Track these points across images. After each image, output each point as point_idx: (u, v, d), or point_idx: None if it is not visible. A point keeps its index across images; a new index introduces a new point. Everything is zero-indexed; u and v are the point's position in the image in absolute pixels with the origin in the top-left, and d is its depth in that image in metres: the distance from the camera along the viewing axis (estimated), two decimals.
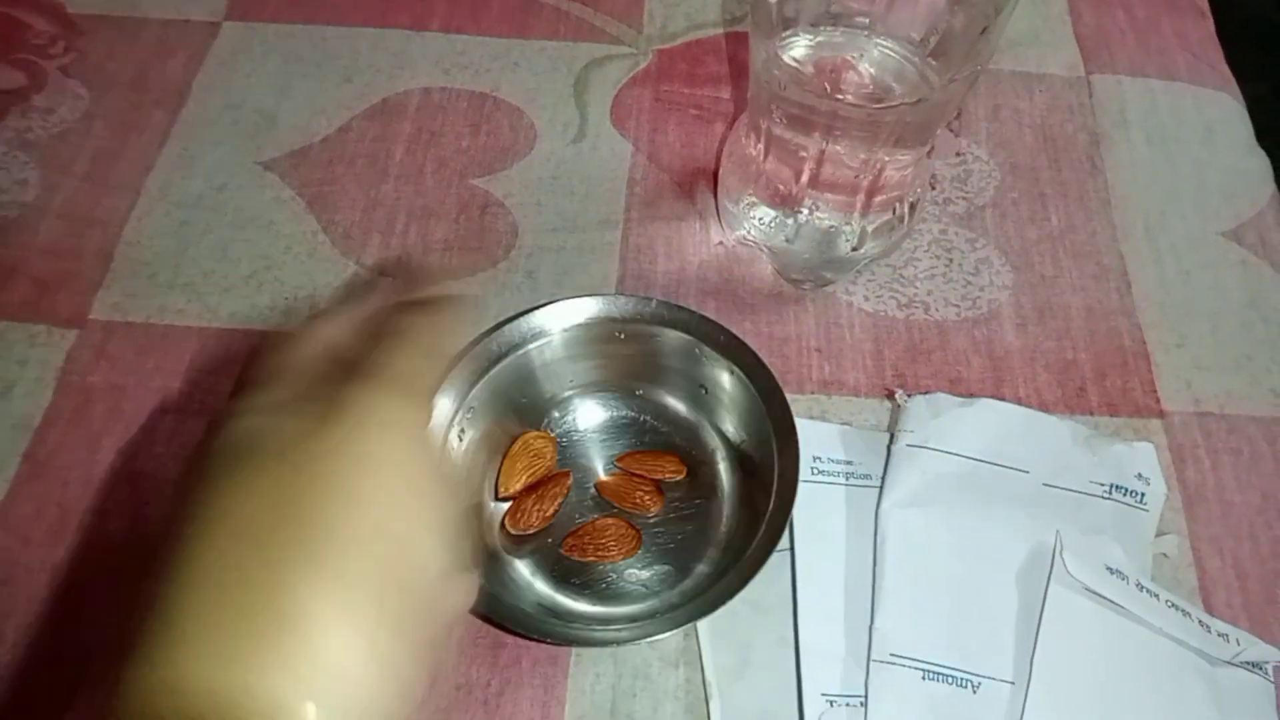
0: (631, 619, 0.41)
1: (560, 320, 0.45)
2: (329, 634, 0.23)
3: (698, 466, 0.46)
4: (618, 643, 0.40)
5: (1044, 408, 0.47)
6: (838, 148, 0.44)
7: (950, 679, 0.39)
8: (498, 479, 0.45)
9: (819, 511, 0.43)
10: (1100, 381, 0.48)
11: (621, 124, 0.56)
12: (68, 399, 0.46)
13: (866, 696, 0.39)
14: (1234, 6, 0.65)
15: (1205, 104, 0.59)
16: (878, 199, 0.48)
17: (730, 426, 0.46)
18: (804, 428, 0.44)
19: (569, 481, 0.45)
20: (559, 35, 0.60)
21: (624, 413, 0.47)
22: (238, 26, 0.60)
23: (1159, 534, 0.44)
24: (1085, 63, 0.60)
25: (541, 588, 0.43)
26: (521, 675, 0.40)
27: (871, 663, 0.39)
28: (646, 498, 0.44)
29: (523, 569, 0.43)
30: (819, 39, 0.45)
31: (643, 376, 0.47)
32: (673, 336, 0.45)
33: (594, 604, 0.42)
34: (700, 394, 0.46)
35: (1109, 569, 0.41)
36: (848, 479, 0.44)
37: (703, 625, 0.41)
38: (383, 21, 0.60)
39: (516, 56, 0.59)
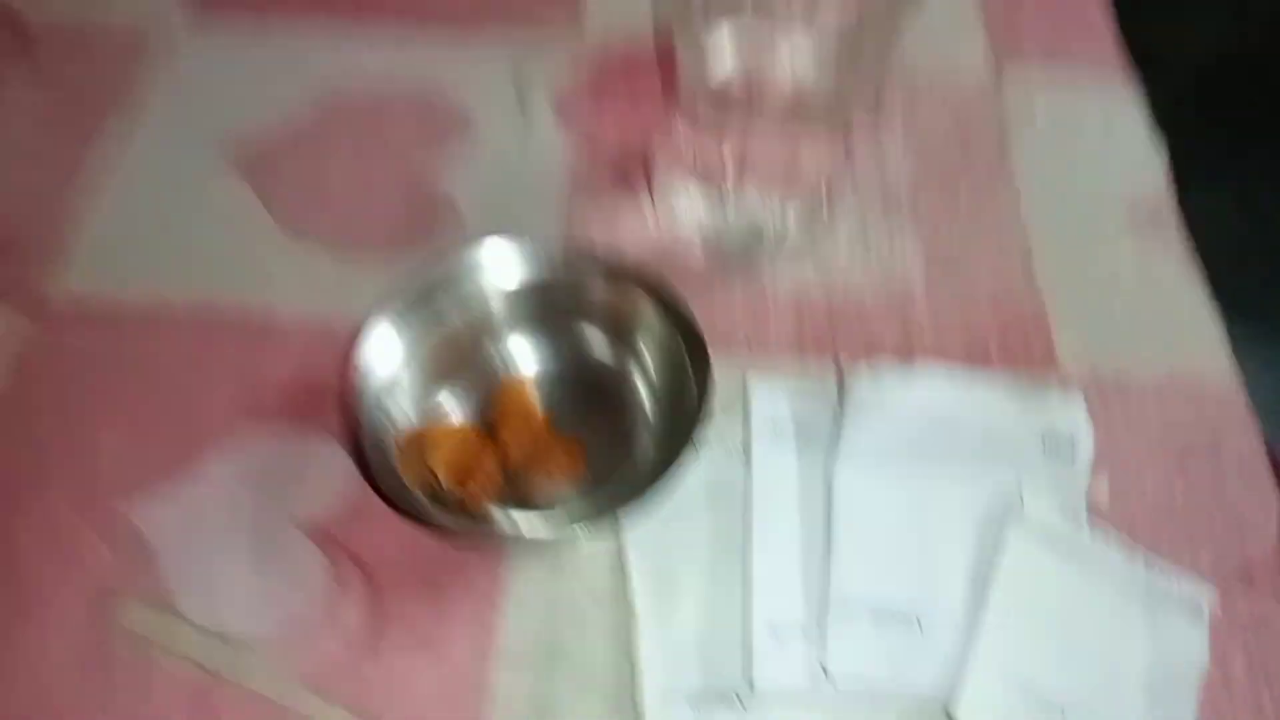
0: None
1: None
2: None
3: (622, 412, 0.47)
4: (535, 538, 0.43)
5: None
6: (761, 134, 0.48)
7: (902, 618, 0.42)
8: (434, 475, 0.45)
9: (774, 461, 0.46)
10: (1004, 350, 0.52)
11: (561, 114, 0.59)
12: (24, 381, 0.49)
13: (823, 636, 0.42)
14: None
15: (1104, 94, 0.63)
16: (800, 183, 0.51)
17: (654, 370, 0.47)
18: (755, 388, 0.48)
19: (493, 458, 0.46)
20: (501, 26, 0.63)
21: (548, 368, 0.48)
22: (190, 27, 0.63)
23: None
24: (994, 54, 0.64)
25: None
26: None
27: (830, 606, 0.42)
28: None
29: None
30: (740, 28, 0.49)
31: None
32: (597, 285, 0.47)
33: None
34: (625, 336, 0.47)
35: (1063, 512, 0.45)
36: (798, 435, 0.47)
37: (631, 559, 0.44)
38: (329, 12, 0.63)
39: (460, 48, 0.62)
